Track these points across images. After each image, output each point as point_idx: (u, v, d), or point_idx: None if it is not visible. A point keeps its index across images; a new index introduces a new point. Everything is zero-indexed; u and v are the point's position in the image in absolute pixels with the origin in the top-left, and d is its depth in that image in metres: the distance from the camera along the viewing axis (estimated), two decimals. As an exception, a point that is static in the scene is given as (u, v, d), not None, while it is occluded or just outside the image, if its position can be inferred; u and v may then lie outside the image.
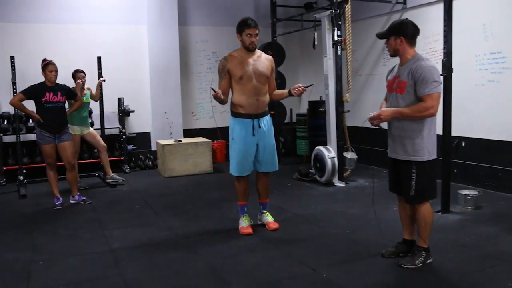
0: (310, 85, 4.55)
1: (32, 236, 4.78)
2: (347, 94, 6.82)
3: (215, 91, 4.26)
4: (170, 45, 8.67)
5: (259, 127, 4.57)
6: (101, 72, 7.53)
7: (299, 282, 3.49)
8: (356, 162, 6.88)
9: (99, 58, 7.62)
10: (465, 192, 5.39)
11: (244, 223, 4.72)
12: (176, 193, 6.65)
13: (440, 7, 5.28)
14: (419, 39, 3.65)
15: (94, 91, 7.21)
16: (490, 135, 6.12)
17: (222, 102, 4.42)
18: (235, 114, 4.60)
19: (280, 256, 4.04)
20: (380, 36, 3.69)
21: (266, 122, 4.64)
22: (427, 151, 3.54)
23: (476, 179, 6.25)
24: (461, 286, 3.35)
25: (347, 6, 6.59)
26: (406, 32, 3.54)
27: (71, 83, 6.57)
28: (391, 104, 3.63)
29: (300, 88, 4.45)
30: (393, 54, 3.64)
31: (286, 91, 4.67)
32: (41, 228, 5.09)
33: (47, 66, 5.75)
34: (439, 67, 4.88)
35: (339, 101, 6.75)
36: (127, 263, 3.99)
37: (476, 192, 5.38)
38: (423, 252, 3.71)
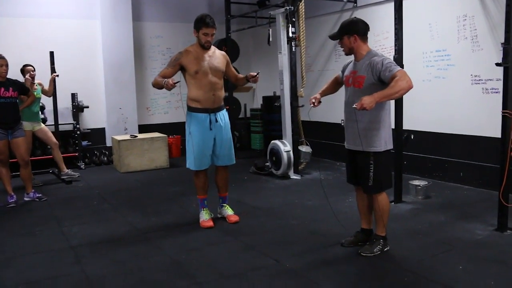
0: (258, 73, 4.57)
1: (-15, 235, 4.59)
2: (301, 89, 6.89)
3: (173, 84, 4.19)
4: (124, 41, 8.49)
5: (216, 121, 4.56)
6: (54, 67, 7.27)
7: (263, 273, 3.49)
8: (310, 155, 6.94)
9: (51, 53, 7.35)
10: (416, 182, 5.55)
11: (204, 217, 4.70)
12: (133, 188, 6.54)
13: (389, 6, 5.42)
14: (369, 36, 3.72)
15: (46, 87, 6.96)
16: (437, 128, 6.33)
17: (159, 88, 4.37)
18: (191, 109, 4.56)
19: (243, 248, 4.04)
20: (332, 37, 3.73)
21: (223, 116, 4.65)
22: (384, 142, 3.62)
23: (424, 170, 6.46)
24: (417, 272, 3.45)
25: (300, 4, 6.64)
26: (358, 29, 3.61)
27: (21, 79, 6.29)
28: (348, 98, 3.69)
29: (254, 78, 4.50)
30: (349, 53, 3.69)
31: (244, 76, 4.70)
32: (-6, 226, 4.89)
33: (-4, 60, 5.50)
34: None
35: (294, 96, 6.80)
36: (89, 259, 3.88)
37: (426, 183, 5.55)
38: (381, 240, 3.79)
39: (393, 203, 5.18)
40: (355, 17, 3.79)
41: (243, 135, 9.70)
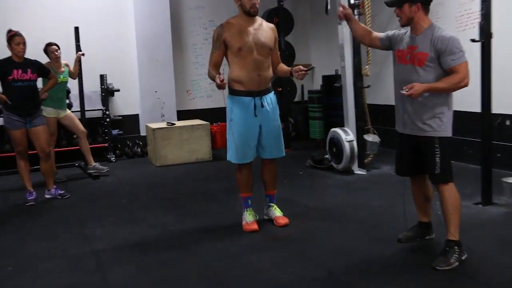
0: (311, 69, 4.56)
1: (-1, 237, 4.78)
2: (367, 67, 6.78)
3: (222, 80, 4.18)
4: (160, 13, 8.60)
5: (262, 106, 4.54)
6: (79, 45, 7.46)
7: (312, 287, 3.44)
8: (378, 145, 6.84)
9: (76, 29, 7.54)
10: (511, 180, 5.29)
11: (248, 219, 4.69)
12: (169, 185, 6.63)
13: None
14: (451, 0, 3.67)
15: (72, 68, 7.14)
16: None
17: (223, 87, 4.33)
18: (233, 91, 4.57)
19: (291, 257, 4.01)
20: (391, 3, 3.76)
21: (270, 100, 4.63)
22: (450, 125, 3.73)
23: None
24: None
25: (365, -38, 6.49)
26: None
27: (44, 60, 6.48)
28: (404, 77, 3.74)
29: (301, 72, 4.41)
30: (406, 24, 3.74)
31: (288, 70, 4.65)
32: (10, 227, 5.07)
33: (13, 38, 5.67)
34: (475, 31, 4.82)
35: (358, 75, 6.70)
36: (112, 266, 3.95)
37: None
38: (456, 247, 3.68)
39: (480, 205, 4.99)
40: None
41: (299, 121, 9.67)
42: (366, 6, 6.59)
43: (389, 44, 3.95)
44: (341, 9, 4.05)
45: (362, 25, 4.25)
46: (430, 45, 3.60)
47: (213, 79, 4.36)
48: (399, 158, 4.04)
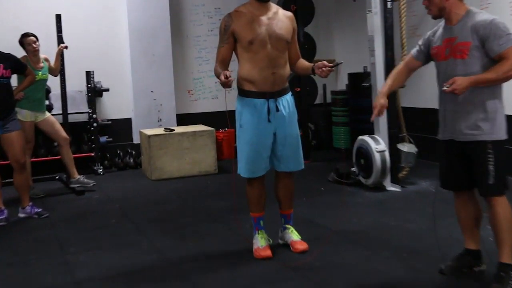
0: (337, 65, 4.53)
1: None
2: (401, 63, 6.70)
3: (227, 77, 4.14)
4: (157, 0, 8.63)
5: (277, 110, 4.53)
6: (61, 36, 7.47)
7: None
8: (415, 156, 6.83)
9: (58, 17, 7.56)
10: None
11: (260, 243, 4.68)
12: (167, 202, 6.66)
13: None
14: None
15: (52, 63, 7.17)
16: None
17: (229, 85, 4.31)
18: (243, 92, 4.58)
19: (310, 290, 3.98)
20: None
21: (287, 103, 4.62)
22: (504, 126, 3.71)
23: None
24: None
25: None
26: None
27: (19, 54, 6.50)
28: (446, 74, 3.76)
29: (325, 68, 4.38)
30: (438, 15, 3.83)
31: (310, 66, 4.62)
32: (-23, 252, 5.09)
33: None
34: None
35: (390, 72, 6.62)
36: (97, 300, 3.95)
37: None
38: (512, 272, 3.67)
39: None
40: None
41: (321, 128, 9.65)
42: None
43: (426, 52, 3.99)
44: (379, 109, 4.04)
45: (394, 74, 4.25)
46: (472, 33, 3.62)
47: (218, 77, 4.34)
48: (445, 169, 4.00)
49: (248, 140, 4.52)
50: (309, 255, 4.61)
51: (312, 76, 9.01)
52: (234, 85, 4.43)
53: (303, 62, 4.75)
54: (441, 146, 3.96)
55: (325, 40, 9.86)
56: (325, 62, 4.40)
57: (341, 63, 4.44)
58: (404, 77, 4.22)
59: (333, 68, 4.39)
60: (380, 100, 4.03)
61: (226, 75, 4.12)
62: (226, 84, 4.15)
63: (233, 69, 4.34)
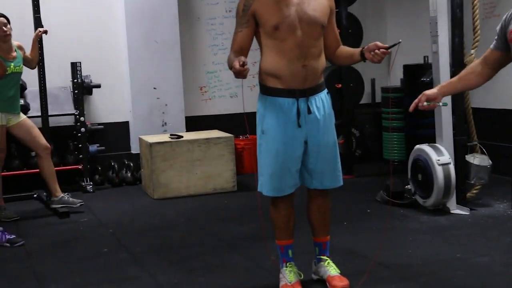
0: (395, 44, 4.46)
1: None
2: (473, 52, 6.77)
3: (243, 64, 4.15)
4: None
5: (309, 112, 4.54)
6: (39, 17, 7.47)
7: None
8: (490, 171, 6.80)
9: (35, -5, 7.64)
10: None
11: (288, 278, 4.68)
12: (172, 227, 6.69)
13: None
14: None
15: (29, 52, 7.23)
16: None
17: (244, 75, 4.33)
18: (266, 90, 4.59)
19: None
20: None
21: (321, 103, 4.62)
22: None
23: None
24: None
25: None
26: None
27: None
28: None
29: (379, 51, 4.38)
30: None
31: (357, 51, 4.61)
32: None
33: None
34: None
35: (458, 64, 6.70)
36: None
37: None
38: None
39: None
40: None
41: (368, 134, 9.68)
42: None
43: (503, 36, 3.87)
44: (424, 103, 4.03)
45: (463, 74, 4.18)
46: None
47: (232, 65, 4.30)
48: None
49: (272, 150, 4.52)
50: (350, 294, 4.64)
51: (357, 68, 9.11)
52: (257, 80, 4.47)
53: (345, 49, 4.75)
54: None
55: (375, 23, 9.86)
56: (378, 43, 4.38)
57: (400, 42, 4.37)
58: (477, 76, 4.09)
59: (389, 50, 4.39)
60: (433, 91, 4.03)
61: (242, 62, 4.10)
62: (241, 74, 4.14)
63: (256, 61, 4.37)
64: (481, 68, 4.05)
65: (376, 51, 4.36)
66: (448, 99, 6.63)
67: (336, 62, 4.87)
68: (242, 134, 8.94)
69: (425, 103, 3.93)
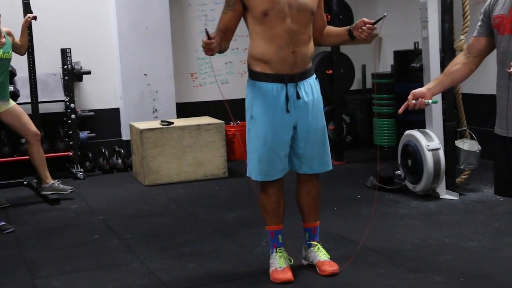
0: (381, 19, 4.44)
1: None
2: (462, 37, 6.73)
3: (209, 36, 4.17)
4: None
5: (298, 97, 4.54)
6: (28, 3, 7.48)
7: None
8: (479, 156, 6.81)
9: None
10: None
11: (278, 264, 4.68)
12: (163, 213, 6.69)
13: None
14: None
15: (18, 38, 7.19)
16: None
17: (219, 50, 4.38)
18: (255, 75, 4.58)
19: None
20: None
21: (310, 88, 4.63)
22: None
23: None
24: None
25: None
26: None
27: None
28: (510, 52, 3.66)
29: (366, 27, 4.38)
30: None
31: (344, 30, 4.61)
32: None
33: None
34: None
35: (448, 50, 6.71)
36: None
37: None
38: None
39: None
40: None
41: (358, 120, 9.70)
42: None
43: (488, 22, 3.86)
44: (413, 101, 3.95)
45: (447, 71, 4.16)
46: None
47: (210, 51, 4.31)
48: (502, 171, 3.92)
49: (260, 135, 4.52)
50: (340, 278, 4.62)
51: (345, 54, 9.09)
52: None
53: (332, 29, 4.77)
54: (499, 143, 3.87)
55: (365, 9, 9.77)
56: (365, 19, 4.39)
57: (385, 16, 4.34)
58: (465, 69, 4.07)
59: (375, 26, 4.38)
60: (423, 89, 3.98)
61: (209, 35, 4.12)
62: (208, 47, 4.17)
63: (247, 47, 4.36)
64: (466, 58, 4.05)
65: (363, 27, 4.38)
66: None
67: (324, 42, 4.86)
68: (232, 120, 8.88)
69: (413, 101, 3.89)
